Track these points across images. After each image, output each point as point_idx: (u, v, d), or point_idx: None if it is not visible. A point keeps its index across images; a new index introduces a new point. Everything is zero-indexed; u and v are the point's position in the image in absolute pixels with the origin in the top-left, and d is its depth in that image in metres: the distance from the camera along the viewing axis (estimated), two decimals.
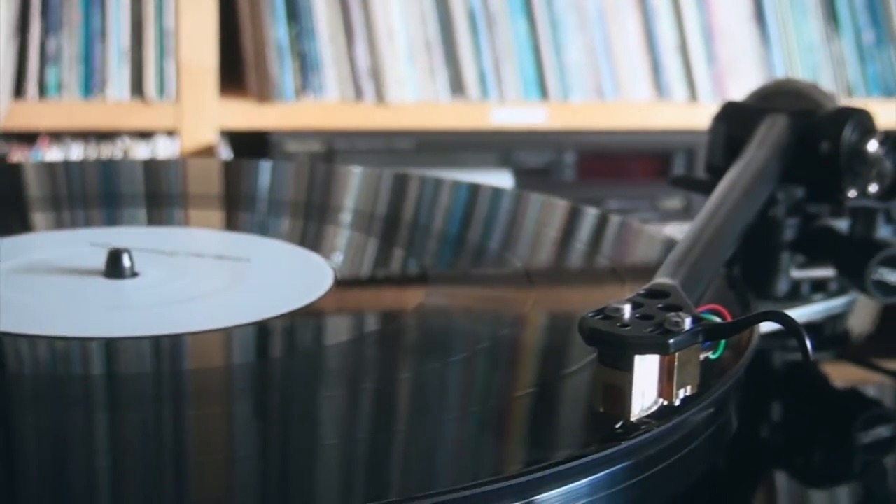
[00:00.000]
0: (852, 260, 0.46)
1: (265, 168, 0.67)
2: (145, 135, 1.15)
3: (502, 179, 1.19)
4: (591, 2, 1.23)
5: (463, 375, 0.34)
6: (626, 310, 0.30)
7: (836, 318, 0.52)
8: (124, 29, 1.13)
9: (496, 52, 1.20)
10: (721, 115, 0.52)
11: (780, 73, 1.26)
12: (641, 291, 0.32)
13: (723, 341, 0.32)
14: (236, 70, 1.19)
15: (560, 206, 0.54)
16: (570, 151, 1.23)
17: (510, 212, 0.53)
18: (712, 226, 0.38)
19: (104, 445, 0.28)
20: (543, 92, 1.21)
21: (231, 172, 0.60)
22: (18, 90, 1.12)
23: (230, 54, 1.18)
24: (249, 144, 1.18)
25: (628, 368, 0.29)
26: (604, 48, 1.23)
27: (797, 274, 0.50)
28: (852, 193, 0.49)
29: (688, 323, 0.30)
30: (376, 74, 1.18)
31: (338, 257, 0.42)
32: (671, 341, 0.29)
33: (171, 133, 1.15)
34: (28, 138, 1.13)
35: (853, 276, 0.46)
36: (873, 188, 0.48)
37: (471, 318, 0.38)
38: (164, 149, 1.15)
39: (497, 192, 0.55)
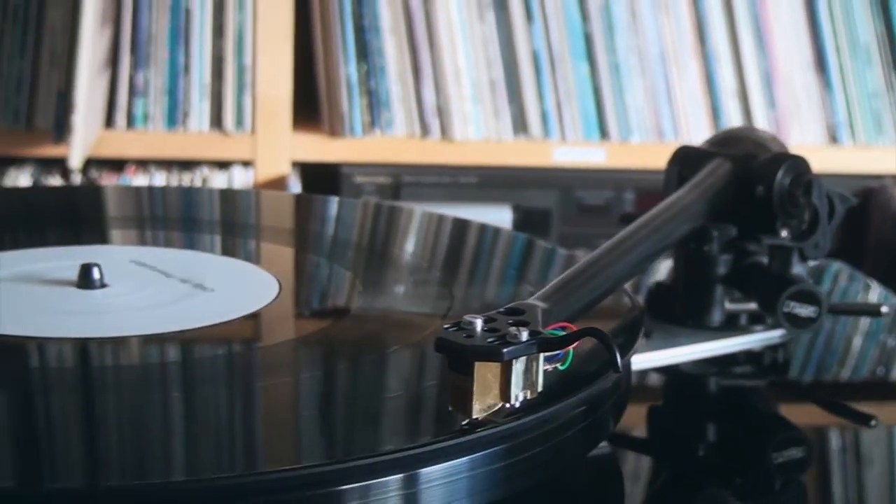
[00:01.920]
0: (768, 294, 0.50)
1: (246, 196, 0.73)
2: (223, 165, 1.23)
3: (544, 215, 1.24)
4: (653, 46, 1.27)
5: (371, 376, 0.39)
6: (478, 323, 0.35)
7: (777, 348, 0.55)
8: (206, 65, 1.21)
9: (558, 94, 1.25)
10: (674, 157, 0.57)
11: (842, 118, 1.29)
12: (501, 309, 0.37)
13: (570, 355, 0.36)
14: (310, 105, 1.26)
15: (505, 235, 0.59)
16: (630, 190, 1.27)
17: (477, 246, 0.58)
18: (604, 256, 0.43)
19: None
20: (604, 132, 1.26)
21: (227, 201, 0.67)
22: (108, 120, 1.21)
23: (304, 90, 1.25)
24: (320, 176, 1.25)
25: (469, 373, 0.34)
26: (664, 91, 1.27)
27: (731, 306, 0.54)
28: (784, 233, 0.53)
29: (524, 335, 0.35)
30: (442, 112, 1.24)
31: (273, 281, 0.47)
32: (505, 350, 0.34)
33: (246, 164, 1.23)
34: (116, 166, 1.22)
35: (769, 309, 0.50)
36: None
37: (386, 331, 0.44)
38: (239, 178, 1.22)
39: (484, 229, 0.60)
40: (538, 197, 1.26)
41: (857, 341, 0.59)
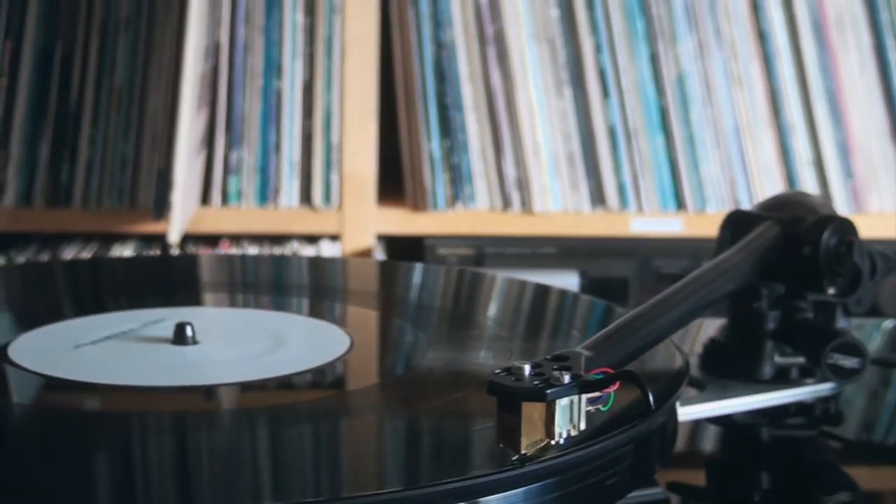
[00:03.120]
0: (814, 346, 0.53)
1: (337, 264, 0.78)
2: (312, 239, 1.28)
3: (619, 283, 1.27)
4: (727, 119, 1.30)
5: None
6: (527, 368, 0.39)
7: (828, 400, 0.58)
8: (296, 143, 1.27)
9: (634, 166, 1.29)
10: (727, 221, 0.60)
11: None
12: (548, 357, 0.41)
13: (611, 398, 0.40)
14: (394, 180, 1.31)
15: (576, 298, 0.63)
16: (707, 258, 1.29)
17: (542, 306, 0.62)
18: (649, 310, 0.47)
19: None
20: (680, 203, 1.29)
21: (321, 268, 0.72)
22: (204, 198, 1.27)
23: (389, 166, 1.31)
24: (405, 248, 1.30)
25: (517, 413, 0.38)
26: (739, 162, 1.30)
27: (781, 360, 0.57)
28: (832, 291, 0.56)
29: (567, 378, 0.38)
30: (522, 185, 1.28)
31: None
32: (549, 391, 0.38)
33: (334, 238, 1.28)
34: (211, 241, 1.28)
35: (814, 361, 0.53)
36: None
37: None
38: (327, 251, 1.27)
39: (528, 287, 0.64)
40: (616, 266, 1.29)
41: None
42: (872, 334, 0.72)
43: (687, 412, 0.54)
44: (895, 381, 0.62)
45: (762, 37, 1.31)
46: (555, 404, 0.38)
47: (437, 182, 1.28)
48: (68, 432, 0.41)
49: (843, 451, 0.56)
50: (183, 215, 1.18)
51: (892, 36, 1.32)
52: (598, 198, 1.29)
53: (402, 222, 1.29)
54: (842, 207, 1.29)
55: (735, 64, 1.31)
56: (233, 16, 1.26)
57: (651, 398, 0.38)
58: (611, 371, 0.40)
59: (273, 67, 1.27)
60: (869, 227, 1.27)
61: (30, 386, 0.45)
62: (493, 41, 1.29)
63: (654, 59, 1.30)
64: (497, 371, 0.39)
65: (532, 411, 0.38)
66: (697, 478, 0.53)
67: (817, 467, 0.54)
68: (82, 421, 0.43)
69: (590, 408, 0.40)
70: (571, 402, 0.39)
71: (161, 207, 1.18)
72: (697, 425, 0.56)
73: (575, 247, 1.29)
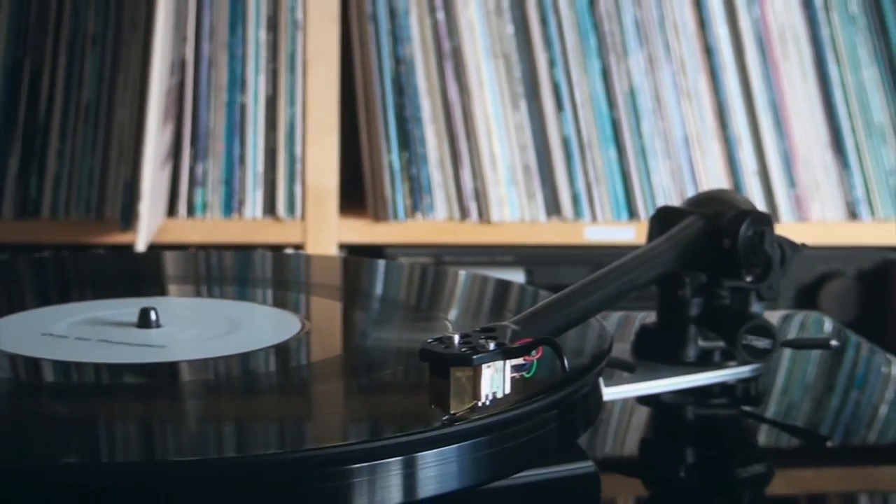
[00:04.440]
0: (730, 329, 0.58)
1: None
2: (276, 248, 1.32)
3: None
4: (677, 130, 1.35)
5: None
6: (456, 338, 0.43)
7: (748, 381, 0.63)
8: (260, 156, 1.31)
9: (588, 176, 1.34)
10: (656, 215, 0.64)
11: (860, 194, 1.35)
12: (477, 329, 0.45)
13: (534, 365, 0.44)
14: (356, 192, 1.35)
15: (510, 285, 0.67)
16: None
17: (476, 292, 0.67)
18: (575, 291, 0.51)
19: None
20: (632, 212, 1.34)
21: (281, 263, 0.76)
22: (171, 209, 1.31)
23: (350, 178, 1.35)
24: (366, 257, 1.34)
25: (445, 377, 0.42)
26: (688, 171, 1.35)
27: (704, 344, 0.61)
28: (748, 278, 0.60)
29: (492, 346, 0.43)
30: (480, 196, 1.33)
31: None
32: (475, 357, 0.42)
33: (297, 247, 1.32)
34: (178, 251, 1.32)
35: (731, 342, 0.58)
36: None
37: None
38: None
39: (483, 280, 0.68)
40: (571, 274, 1.34)
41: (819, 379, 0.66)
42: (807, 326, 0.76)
43: (618, 391, 0.59)
44: (809, 364, 0.67)
45: (709, 51, 1.37)
46: (480, 369, 0.42)
47: (397, 193, 1.32)
48: (42, 405, 0.45)
49: (761, 429, 0.60)
50: (150, 226, 1.21)
51: (832, 50, 1.37)
52: (553, 207, 1.33)
53: (364, 232, 1.33)
54: (785, 216, 1.35)
55: (683, 78, 1.36)
56: (197, 32, 1.30)
57: (566, 362, 0.42)
58: (530, 341, 0.44)
59: (237, 82, 1.31)
60: (811, 235, 1.33)
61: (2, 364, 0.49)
62: (450, 56, 1.33)
63: (605, 74, 1.35)
64: (429, 340, 0.43)
65: (461, 375, 0.42)
66: (627, 453, 0.58)
67: (736, 443, 0.58)
68: (55, 393, 0.47)
69: (514, 374, 0.44)
70: (496, 368, 0.43)
71: (128, 218, 1.21)
72: (628, 405, 0.60)
73: (531, 255, 1.33)
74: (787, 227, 1.31)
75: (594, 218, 1.34)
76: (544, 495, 0.49)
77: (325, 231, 1.32)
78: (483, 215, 1.33)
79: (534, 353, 0.44)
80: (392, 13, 1.33)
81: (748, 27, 1.37)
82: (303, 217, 1.31)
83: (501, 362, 0.43)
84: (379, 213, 1.32)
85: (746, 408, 0.61)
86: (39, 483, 0.38)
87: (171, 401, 0.46)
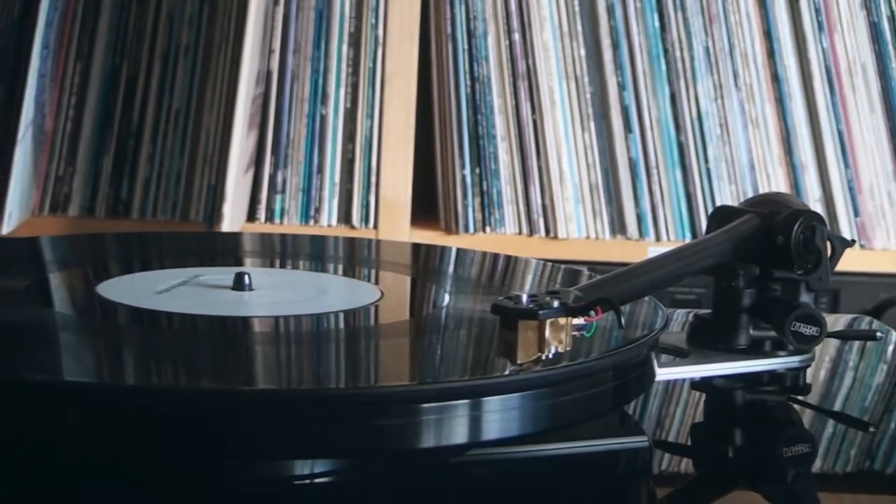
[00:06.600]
0: (779, 317, 0.61)
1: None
2: None
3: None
4: (742, 156, 1.39)
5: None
6: (524, 297, 0.48)
7: (797, 371, 0.66)
8: (337, 166, 1.37)
9: (654, 197, 1.38)
10: (714, 214, 0.68)
11: None
12: (544, 291, 0.49)
13: (593, 326, 0.48)
14: (428, 204, 1.40)
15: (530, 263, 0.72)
16: None
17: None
18: (633, 270, 0.55)
19: None
20: (695, 233, 1.37)
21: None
22: (251, 215, 1.37)
23: (423, 191, 1.40)
24: None
25: (514, 330, 0.47)
26: (753, 195, 1.38)
27: (755, 333, 0.65)
28: (799, 271, 0.64)
29: (556, 304, 0.47)
30: (548, 212, 1.37)
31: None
32: (541, 312, 0.46)
33: None
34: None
35: (779, 329, 0.62)
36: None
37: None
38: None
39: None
40: None
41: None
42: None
43: (670, 372, 0.63)
44: (855, 359, 0.70)
45: (777, 80, 1.40)
46: (545, 323, 0.47)
47: (469, 206, 1.37)
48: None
49: (805, 414, 0.64)
50: (231, 228, 1.27)
51: None
52: (618, 226, 1.37)
53: (435, 243, 1.38)
54: None
55: (751, 104, 1.40)
56: (283, 45, 1.36)
57: (622, 318, 0.46)
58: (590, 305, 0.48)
59: (319, 94, 1.37)
60: (874, 263, 1.36)
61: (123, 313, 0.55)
62: (524, 77, 1.38)
63: (674, 98, 1.39)
64: (500, 298, 0.48)
65: (527, 328, 0.47)
66: (681, 433, 0.62)
67: (783, 426, 0.62)
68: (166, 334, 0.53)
69: (575, 333, 0.48)
70: (559, 324, 0.47)
71: (212, 220, 1.27)
72: (682, 388, 0.64)
73: (595, 271, 1.37)
74: (850, 254, 1.33)
75: (658, 238, 1.37)
76: (600, 466, 0.53)
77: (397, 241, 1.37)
78: (550, 231, 1.37)
79: (593, 314, 0.48)
80: (470, 34, 1.38)
81: (817, 58, 1.40)
82: (376, 227, 1.36)
83: (564, 319, 0.47)
84: (450, 226, 1.37)
85: (795, 396, 0.65)
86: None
87: (287, 346, 0.51)
